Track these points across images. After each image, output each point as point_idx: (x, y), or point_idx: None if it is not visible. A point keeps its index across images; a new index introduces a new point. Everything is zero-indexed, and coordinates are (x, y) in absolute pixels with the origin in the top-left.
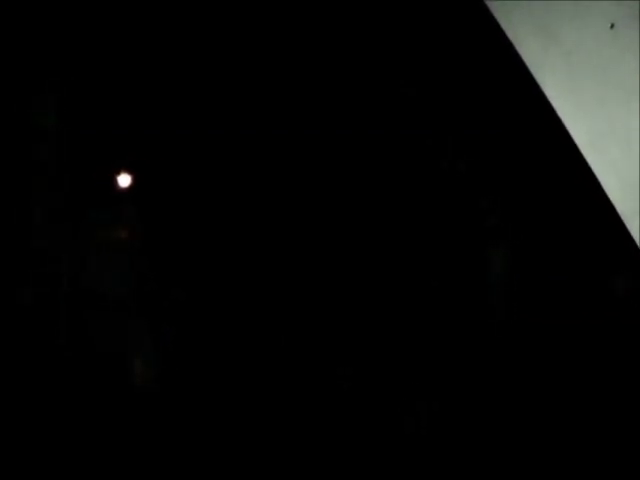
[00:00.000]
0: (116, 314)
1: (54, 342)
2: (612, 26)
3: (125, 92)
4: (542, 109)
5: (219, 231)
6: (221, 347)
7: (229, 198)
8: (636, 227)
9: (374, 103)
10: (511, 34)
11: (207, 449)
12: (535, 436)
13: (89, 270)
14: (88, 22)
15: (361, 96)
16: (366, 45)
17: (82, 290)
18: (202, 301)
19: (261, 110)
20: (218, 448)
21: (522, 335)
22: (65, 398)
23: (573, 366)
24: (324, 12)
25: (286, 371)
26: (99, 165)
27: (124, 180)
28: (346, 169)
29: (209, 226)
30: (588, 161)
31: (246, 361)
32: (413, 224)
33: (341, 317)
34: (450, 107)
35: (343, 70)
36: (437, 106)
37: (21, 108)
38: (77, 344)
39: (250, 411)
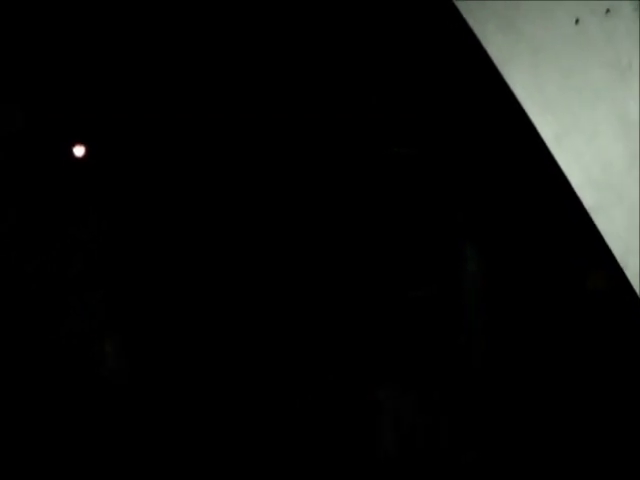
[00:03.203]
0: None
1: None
2: (577, 22)
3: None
4: (509, 105)
5: (201, 229)
6: (208, 347)
7: (216, 198)
8: (602, 221)
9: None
10: (478, 31)
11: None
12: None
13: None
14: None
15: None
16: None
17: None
18: (187, 299)
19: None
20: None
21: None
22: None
23: (549, 359)
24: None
25: (276, 374)
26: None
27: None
28: (326, 174)
29: (188, 222)
30: (554, 156)
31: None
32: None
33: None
34: (420, 103)
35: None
36: (408, 102)
37: None
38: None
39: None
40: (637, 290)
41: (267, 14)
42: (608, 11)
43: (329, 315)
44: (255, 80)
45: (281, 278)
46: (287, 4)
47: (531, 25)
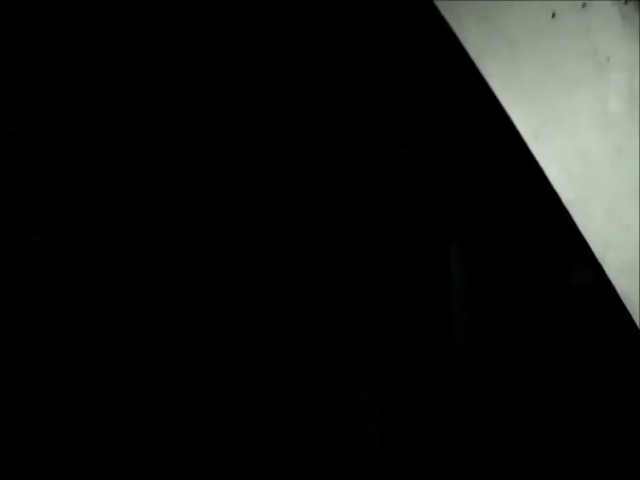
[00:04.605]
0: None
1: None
2: (553, 15)
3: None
4: (485, 99)
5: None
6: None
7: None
8: (580, 214)
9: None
10: (454, 23)
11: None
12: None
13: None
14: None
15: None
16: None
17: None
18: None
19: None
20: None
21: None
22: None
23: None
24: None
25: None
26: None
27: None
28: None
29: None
30: (532, 150)
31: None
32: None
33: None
34: (394, 97)
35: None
36: (383, 97)
37: None
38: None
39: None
40: (615, 284)
41: (266, 15)
42: (584, 5)
43: (321, 315)
44: (254, 80)
45: (278, 279)
46: (285, 5)
47: (508, 19)
